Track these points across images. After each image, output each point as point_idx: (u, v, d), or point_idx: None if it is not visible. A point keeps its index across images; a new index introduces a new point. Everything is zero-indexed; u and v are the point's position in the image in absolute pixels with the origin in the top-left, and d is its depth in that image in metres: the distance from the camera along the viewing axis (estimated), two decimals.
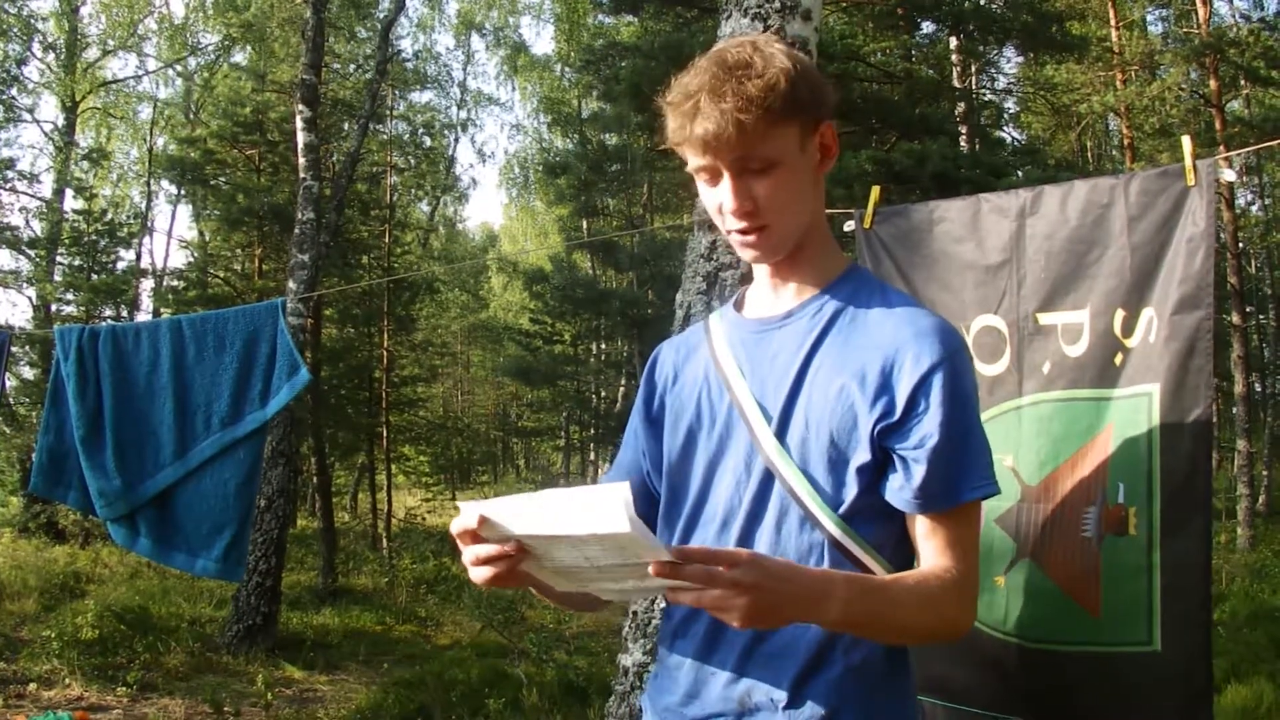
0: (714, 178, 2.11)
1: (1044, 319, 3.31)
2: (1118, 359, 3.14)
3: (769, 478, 2.15)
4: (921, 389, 2.02)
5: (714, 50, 2.13)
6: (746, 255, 2.21)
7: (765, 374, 2.20)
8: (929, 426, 2.01)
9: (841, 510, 2.08)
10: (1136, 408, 3.07)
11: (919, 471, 2.02)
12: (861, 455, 2.06)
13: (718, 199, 2.13)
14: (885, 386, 2.05)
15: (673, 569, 1.72)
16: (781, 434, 2.14)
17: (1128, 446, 3.08)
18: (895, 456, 2.05)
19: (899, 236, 3.72)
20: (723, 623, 2.14)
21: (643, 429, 2.49)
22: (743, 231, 2.14)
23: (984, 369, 3.37)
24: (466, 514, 1.82)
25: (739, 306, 2.39)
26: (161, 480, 5.38)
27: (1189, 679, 2.95)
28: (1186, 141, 3.17)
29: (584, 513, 1.69)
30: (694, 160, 2.11)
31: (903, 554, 2.11)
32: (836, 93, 2.24)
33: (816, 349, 2.16)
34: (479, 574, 1.93)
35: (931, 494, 2.02)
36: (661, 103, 2.13)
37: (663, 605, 2.44)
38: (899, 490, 2.05)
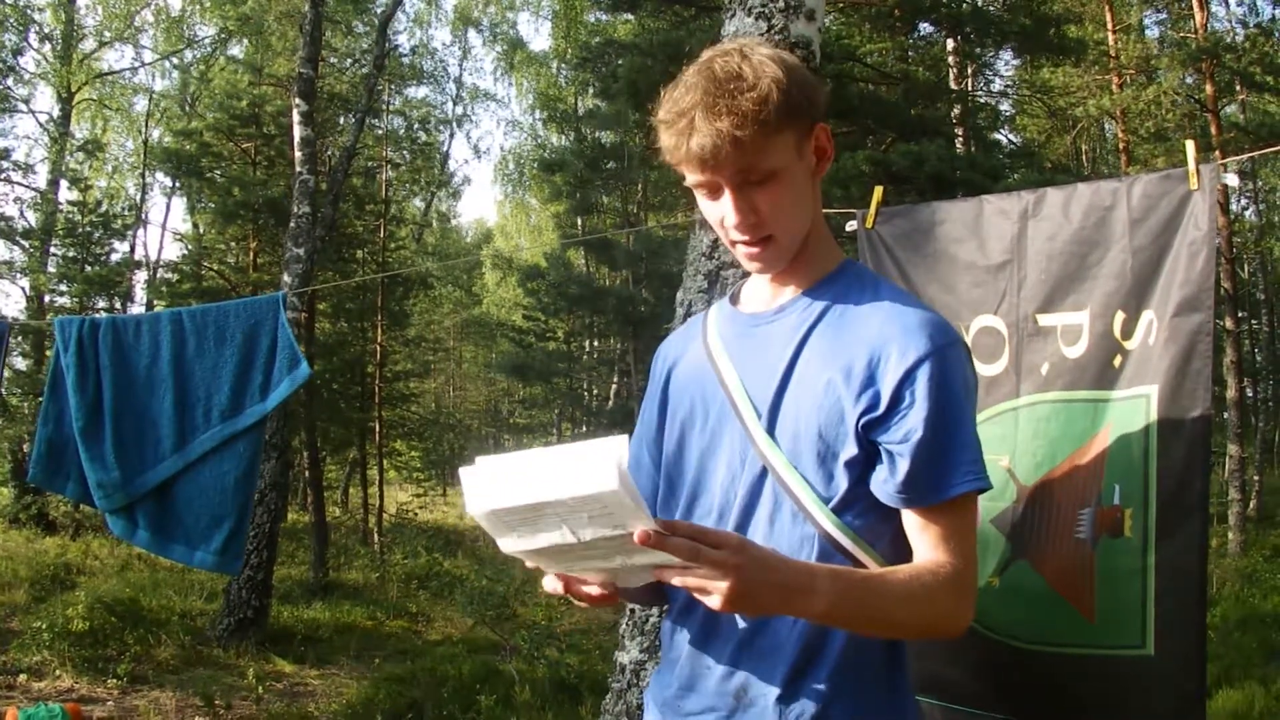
0: (714, 192, 2.11)
1: (1043, 320, 3.31)
2: (1116, 361, 3.15)
3: (762, 472, 2.15)
4: (906, 383, 2.02)
5: (701, 61, 2.10)
6: (751, 267, 2.22)
7: (756, 368, 2.21)
8: (913, 421, 2.01)
9: (833, 504, 2.08)
10: (1134, 410, 3.07)
11: (903, 466, 2.01)
12: (849, 449, 2.06)
13: (719, 213, 2.13)
14: (871, 380, 2.04)
15: (658, 539, 1.70)
16: (772, 428, 2.15)
17: (1125, 448, 3.08)
18: (882, 450, 2.05)
19: (901, 237, 3.72)
20: (718, 617, 2.16)
21: (643, 425, 2.51)
22: (747, 243, 2.14)
23: (982, 369, 3.37)
24: (475, 480, 1.77)
25: (735, 301, 2.40)
26: (161, 472, 5.37)
27: (1182, 682, 2.95)
28: (1190, 146, 3.18)
29: (574, 470, 1.67)
30: (692, 176, 2.10)
31: (899, 548, 2.10)
32: (827, 90, 2.24)
33: (805, 343, 2.16)
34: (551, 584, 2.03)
35: (917, 488, 2.02)
36: (653, 119, 2.13)
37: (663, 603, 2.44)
38: (884, 484, 2.05)
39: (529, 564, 1.94)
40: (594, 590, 2.00)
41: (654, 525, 1.71)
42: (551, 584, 1.98)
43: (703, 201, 2.16)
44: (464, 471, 1.76)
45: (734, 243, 2.17)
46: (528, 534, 1.80)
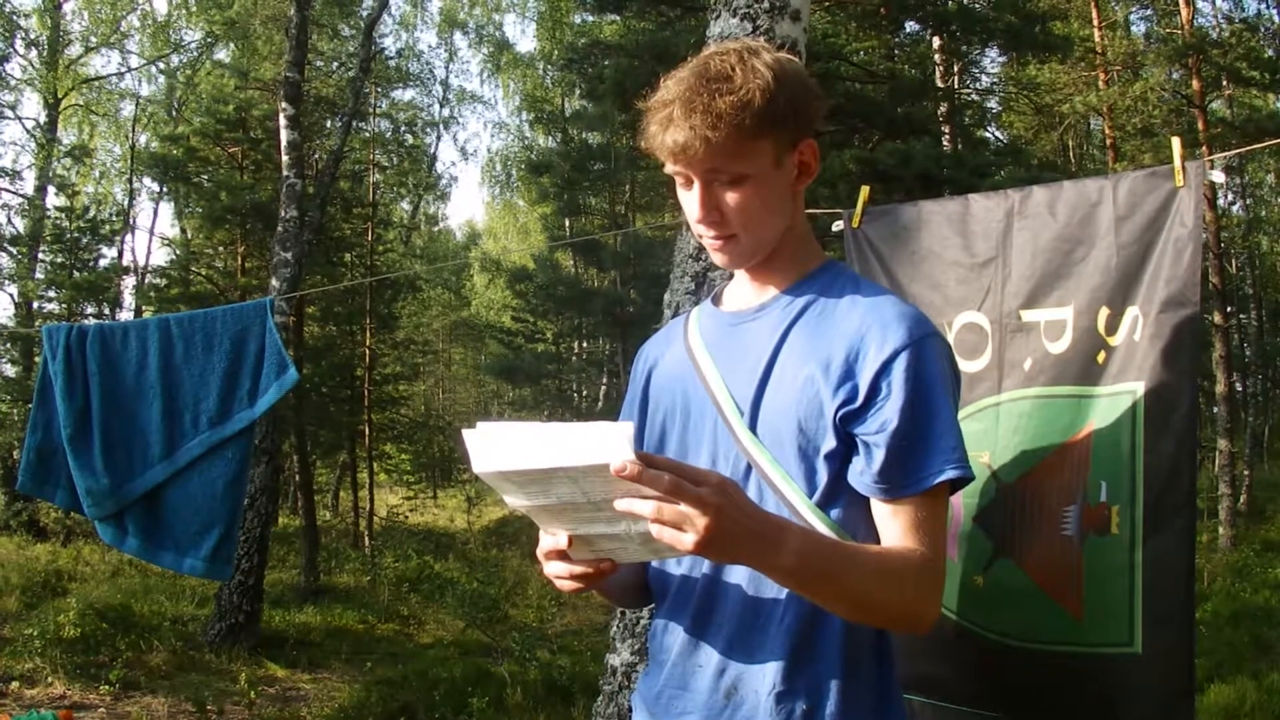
0: (687, 183, 2.14)
1: (1027, 316, 3.31)
2: (1100, 357, 3.14)
3: (746, 468, 2.16)
4: (883, 374, 2.03)
5: (701, 56, 2.13)
6: (718, 260, 2.23)
7: (737, 365, 2.22)
8: (889, 411, 2.01)
9: (816, 498, 2.10)
10: (1120, 406, 3.06)
11: (879, 456, 2.02)
12: (829, 443, 2.08)
13: (688, 206, 2.15)
14: (849, 374, 2.06)
15: (635, 470, 1.67)
16: (753, 424, 2.16)
17: (1110, 445, 3.06)
18: (858, 442, 2.06)
19: (886, 235, 3.72)
20: (709, 613, 2.18)
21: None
22: (711, 238, 2.17)
23: (964, 366, 3.35)
24: (480, 442, 1.76)
25: (717, 301, 2.42)
26: (149, 479, 5.37)
27: (1170, 681, 2.93)
28: (1176, 143, 3.18)
29: (588, 442, 1.68)
30: (667, 165, 2.13)
31: (878, 542, 2.09)
32: (824, 101, 2.24)
33: (785, 339, 2.17)
34: (565, 585, 2.04)
35: (892, 478, 2.02)
36: (643, 105, 2.14)
37: (650, 606, 2.44)
38: (860, 475, 2.06)
39: (533, 517, 1.94)
40: (586, 568, 1.99)
41: (633, 458, 1.69)
42: (551, 542, 1.96)
43: (680, 193, 2.19)
44: (466, 433, 1.77)
45: (701, 236, 2.20)
46: (537, 492, 1.81)
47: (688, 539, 1.73)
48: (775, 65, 2.08)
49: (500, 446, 1.75)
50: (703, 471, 1.77)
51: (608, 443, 1.68)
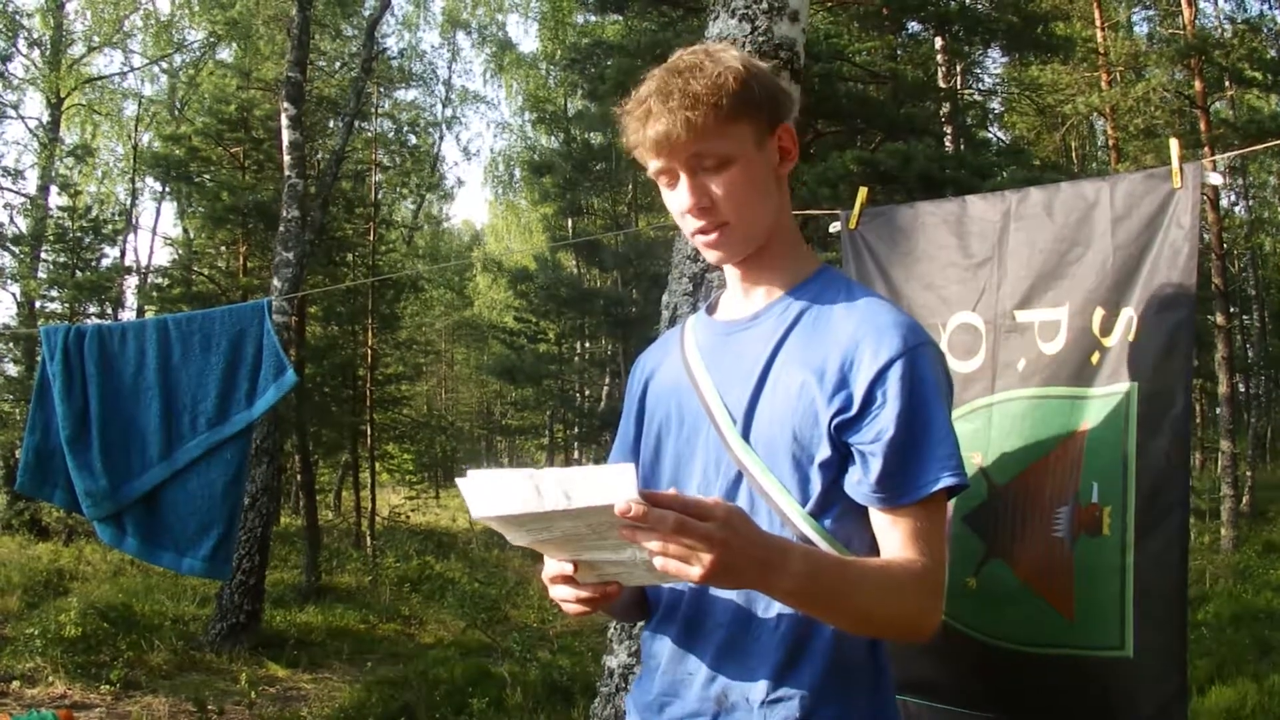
0: (672, 180, 2.14)
1: (1021, 316, 3.29)
2: (1095, 357, 3.13)
3: (737, 476, 2.16)
4: (878, 383, 2.02)
5: (670, 59, 2.15)
6: (711, 256, 2.22)
7: (731, 374, 2.22)
8: (885, 420, 2.01)
9: (810, 507, 2.09)
10: (1113, 407, 3.05)
11: (876, 465, 2.02)
12: (824, 451, 2.07)
13: (677, 201, 2.15)
14: (843, 382, 2.05)
15: (640, 511, 1.66)
16: (746, 433, 2.15)
17: (1103, 446, 3.05)
18: (854, 451, 2.06)
19: (883, 237, 3.71)
20: (700, 622, 2.18)
21: (621, 437, 2.53)
22: (704, 231, 2.16)
23: (958, 366, 3.34)
24: (477, 488, 1.75)
25: (712, 310, 2.41)
26: (148, 480, 5.37)
27: (1162, 684, 2.91)
28: (1174, 144, 3.17)
29: (590, 485, 1.67)
30: (652, 164, 2.13)
31: (877, 552, 2.09)
32: (796, 98, 2.25)
33: (780, 347, 2.17)
34: (572, 609, 2.05)
35: (890, 487, 2.02)
36: (620, 113, 2.16)
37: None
38: (857, 484, 2.06)
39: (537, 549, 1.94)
40: (592, 592, 1.99)
41: (637, 498, 1.67)
42: (557, 568, 1.96)
43: (665, 195, 2.19)
44: (461, 482, 1.76)
45: (693, 233, 2.19)
46: (540, 529, 1.81)
47: (694, 571, 1.73)
48: (744, 58, 2.12)
49: (498, 492, 1.74)
50: (707, 505, 1.75)
51: (611, 485, 1.67)
